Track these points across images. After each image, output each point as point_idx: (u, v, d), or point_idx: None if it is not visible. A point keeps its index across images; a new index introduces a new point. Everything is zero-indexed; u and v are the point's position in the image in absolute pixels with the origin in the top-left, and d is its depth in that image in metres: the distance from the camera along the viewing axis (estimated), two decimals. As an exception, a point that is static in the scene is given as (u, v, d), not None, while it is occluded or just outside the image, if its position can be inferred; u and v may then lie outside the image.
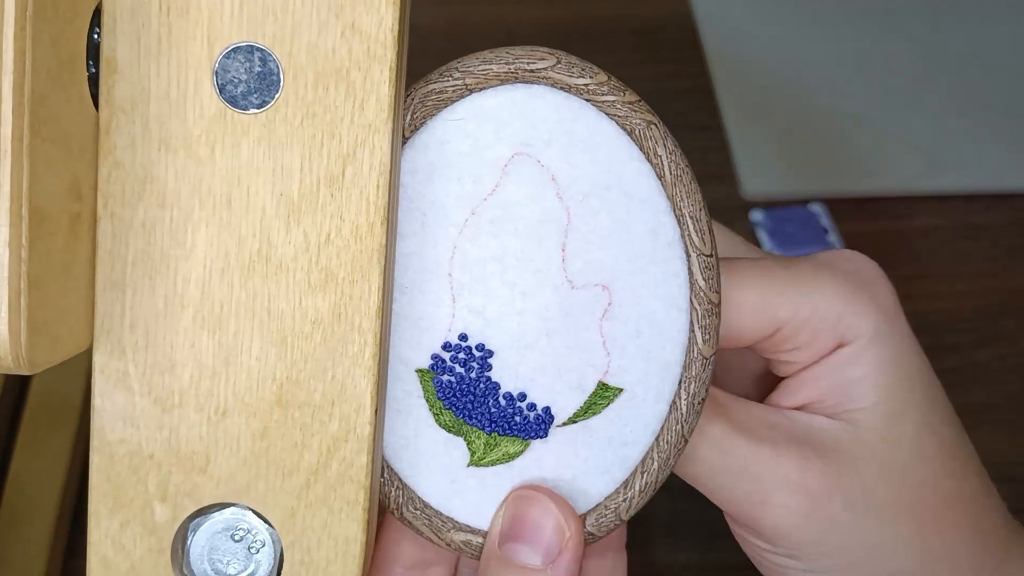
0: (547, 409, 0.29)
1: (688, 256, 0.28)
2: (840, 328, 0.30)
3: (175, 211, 0.26)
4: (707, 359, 0.28)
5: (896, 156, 0.59)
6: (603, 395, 0.29)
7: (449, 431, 0.29)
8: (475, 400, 0.29)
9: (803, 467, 0.29)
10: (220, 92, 0.25)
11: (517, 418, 0.29)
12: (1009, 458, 0.52)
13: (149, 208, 0.26)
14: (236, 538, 0.27)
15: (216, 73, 0.25)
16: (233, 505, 0.27)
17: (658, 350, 0.28)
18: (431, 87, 0.28)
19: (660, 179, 0.28)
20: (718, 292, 0.28)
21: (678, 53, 0.63)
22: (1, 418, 0.45)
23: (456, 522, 0.29)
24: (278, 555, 0.27)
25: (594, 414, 0.29)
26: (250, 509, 0.27)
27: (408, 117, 0.28)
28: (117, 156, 0.25)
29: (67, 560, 0.43)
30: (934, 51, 0.63)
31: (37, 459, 0.44)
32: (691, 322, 0.28)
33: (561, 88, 0.28)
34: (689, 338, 0.28)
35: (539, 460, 0.29)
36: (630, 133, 0.28)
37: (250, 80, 0.25)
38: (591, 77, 0.28)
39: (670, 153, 0.28)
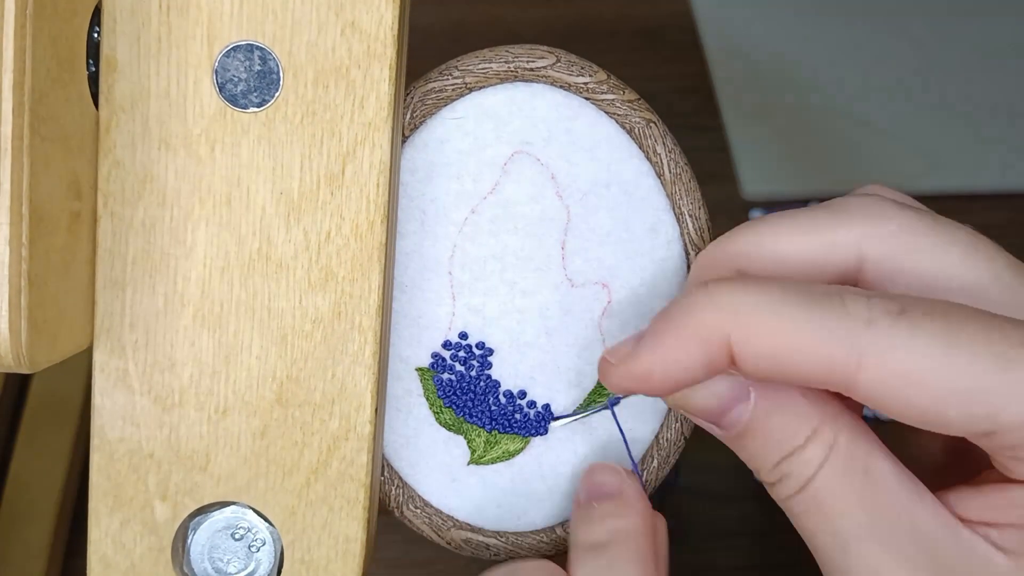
0: (547, 406, 0.29)
1: (687, 254, 0.28)
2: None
3: (175, 210, 0.26)
4: (707, 357, 0.28)
5: (896, 156, 0.59)
6: (602, 393, 0.29)
7: (449, 429, 0.29)
8: (475, 398, 0.29)
9: None
10: (220, 91, 0.25)
11: (517, 416, 0.29)
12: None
13: (149, 207, 0.26)
14: (236, 536, 0.27)
15: (216, 72, 0.25)
16: (233, 504, 0.27)
17: (658, 348, 0.28)
18: (431, 86, 0.28)
19: (659, 177, 0.28)
20: (718, 290, 0.28)
21: (678, 53, 0.63)
22: (1, 418, 0.45)
23: (457, 520, 0.29)
24: (278, 553, 0.27)
25: (593, 412, 0.29)
26: (250, 508, 0.27)
27: (408, 115, 0.28)
28: (117, 155, 0.25)
29: (67, 560, 0.43)
30: (934, 51, 0.63)
31: (37, 459, 0.44)
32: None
33: (561, 87, 0.28)
34: (689, 336, 0.28)
35: (539, 457, 0.29)
36: (629, 131, 0.28)
37: (250, 79, 0.25)
38: (591, 76, 0.28)
39: (669, 151, 0.28)
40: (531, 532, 0.29)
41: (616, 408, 0.29)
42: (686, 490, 0.47)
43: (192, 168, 0.26)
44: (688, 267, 0.28)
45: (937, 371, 0.22)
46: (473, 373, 0.29)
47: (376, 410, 0.27)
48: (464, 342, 0.29)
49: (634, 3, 0.66)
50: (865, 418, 0.25)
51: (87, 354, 0.26)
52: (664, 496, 0.29)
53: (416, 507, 0.29)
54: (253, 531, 0.27)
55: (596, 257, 0.28)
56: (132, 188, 0.26)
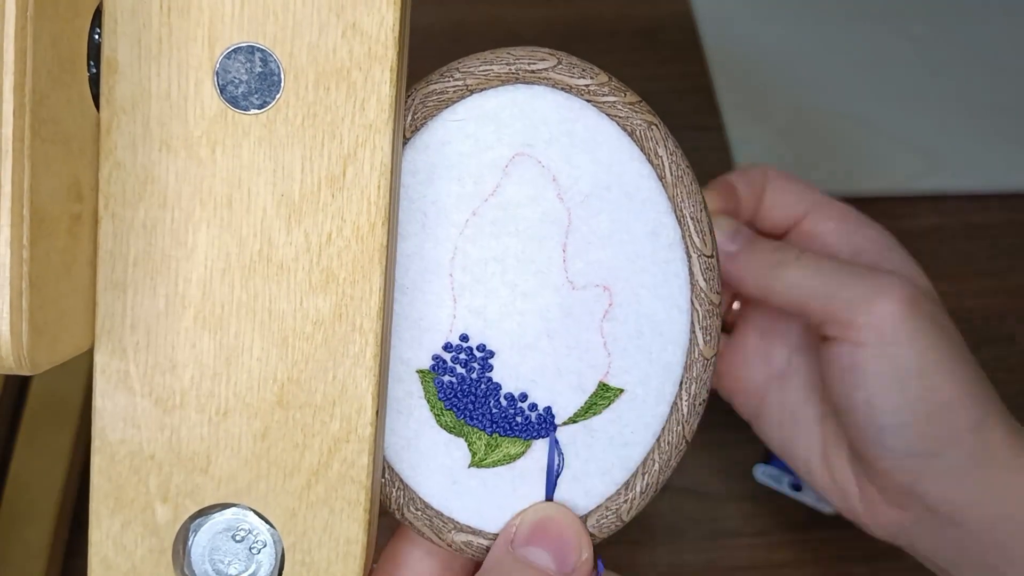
0: (548, 409, 0.29)
1: (689, 257, 0.28)
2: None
3: (176, 211, 0.26)
4: (708, 360, 0.28)
5: (896, 156, 0.59)
6: (604, 395, 0.29)
7: (450, 432, 0.29)
8: (476, 401, 0.29)
9: (902, 279, 0.35)
10: (221, 92, 0.25)
11: (518, 419, 0.29)
12: (1009, 458, 0.52)
13: (150, 208, 0.26)
14: (237, 538, 0.27)
15: (217, 73, 0.25)
16: (234, 505, 0.27)
17: (659, 351, 0.28)
18: (432, 87, 0.28)
19: (661, 180, 0.28)
20: (719, 293, 0.28)
21: (678, 53, 0.63)
22: (1, 418, 0.45)
23: (457, 523, 0.29)
24: (279, 555, 0.27)
25: (595, 414, 0.29)
26: (251, 509, 0.27)
27: (409, 117, 0.28)
28: (118, 156, 0.25)
29: (67, 560, 0.43)
30: (934, 51, 0.63)
31: (37, 459, 0.43)
32: (692, 323, 0.28)
33: (562, 89, 0.28)
34: (690, 339, 0.28)
35: (540, 461, 0.29)
36: (631, 134, 0.28)
37: (251, 80, 0.25)
38: (592, 78, 0.28)
39: (671, 154, 0.28)
40: (532, 534, 0.29)
41: (617, 409, 0.29)
42: (686, 490, 0.48)
43: (193, 170, 0.25)
44: (690, 269, 0.28)
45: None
46: (474, 375, 0.29)
47: (377, 412, 0.27)
48: (465, 344, 0.29)
49: (634, 3, 0.66)
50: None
51: (87, 355, 0.26)
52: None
53: (417, 509, 0.29)
54: (254, 533, 0.27)
55: (597, 259, 0.28)
56: (133, 190, 0.26)
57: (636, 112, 0.28)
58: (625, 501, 0.29)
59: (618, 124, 0.28)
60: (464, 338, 0.29)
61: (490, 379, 0.29)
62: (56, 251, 0.24)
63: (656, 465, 0.29)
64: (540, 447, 0.29)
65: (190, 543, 0.27)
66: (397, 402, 0.29)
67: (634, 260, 0.28)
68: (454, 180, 0.28)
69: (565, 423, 0.29)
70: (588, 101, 0.28)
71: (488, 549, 0.29)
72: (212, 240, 0.26)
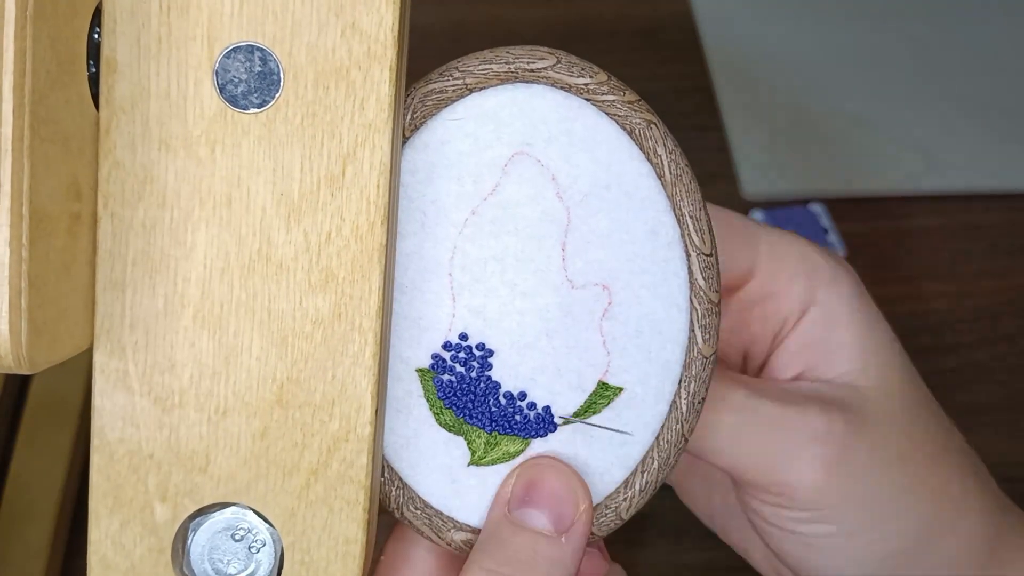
0: (547, 408, 0.29)
1: (688, 256, 0.28)
2: (807, 266, 0.33)
3: (175, 211, 0.26)
4: (707, 359, 0.28)
5: (896, 156, 0.59)
6: (603, 394, 0.29)
7: (449, 431, 0.29)
8: (475, 399, 0.29)
9: (829, 419, 0.30)
10: (220, 92, 0.25)
11: (517, 417, 0.29)
12: (1009, 458, 0.52)
13: (149, 208, 0.26)
14: (236, 538, 0.27)
15: (216, 73, 0.25)
16: (233, 505, 0.27)
17: (658, 349, 0.28)
18: (431, 87, 0.28)
19: (660, 179, 0.28)
20: (718, 291, 0.28)
21: (678, 53, 0.63)
22: (1, 418, 0.45)
23: (456, 522, 0.29)
24: (278, 555, 0.27)
25: (594, 413, 0.29)
26: (250, 509, 0.27)
27: (408, 117, 0.28)
28: (117, 156, 0.25)
29: (67, 560, 0.43)
30: (934, 51, 0.63)
31: (37, 459, 0.44)
32: (691, 322, 0.28)
33: (561, 88, 0.28)
34: (689, 338, 0.28)
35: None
36: (630, 133, 0.28)
37: (250, 80, 0.25)
38: (591, 77, 0.28)
39: (670, 153, 0.28)
40: (531, 533, 0.29)
41: (616, 407, 0.29)
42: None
43: (192, 169, 0.26)
44: (689, 268, 0.28)
45: None
46: (473, 374, 0.29)
47: (376, 411, 0.27)
48: (464, 343, 0.29)
49: (634, 3, 0.66)
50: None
51: (87, 354, 0.26)
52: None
53: (416, 508, 0.29)
54: (253, 532, 0.27)
55: (596, 259, 0.28)
56: (132, 189, 0.26)
57: (635, 111, 0.28)
58: (624, 499, 0.29)
59: (617, 123, 0.28)
60: (463, 337, 0.29)
61: (489, 378, 0.29)
62: (55, 250, 0.24)
63: (655, 463, 0.29)
64: (539, 446, 0.29)
65: (189, 542, 0.27)
66: (396, 401, 0.29)
67: (633, 259, 0.28)
68: (453, 179, 0.28)
69: (564, 422, 0.29)
70: (587, 100, 0.28)
71: (487, 548, 0.29)
72: (211, 239, 0.26)
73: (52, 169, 0.23)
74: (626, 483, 0.29)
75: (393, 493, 0.29)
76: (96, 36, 0.25)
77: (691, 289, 0.28)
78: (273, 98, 0.25)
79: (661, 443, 0.29)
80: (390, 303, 0.28)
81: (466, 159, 0.28)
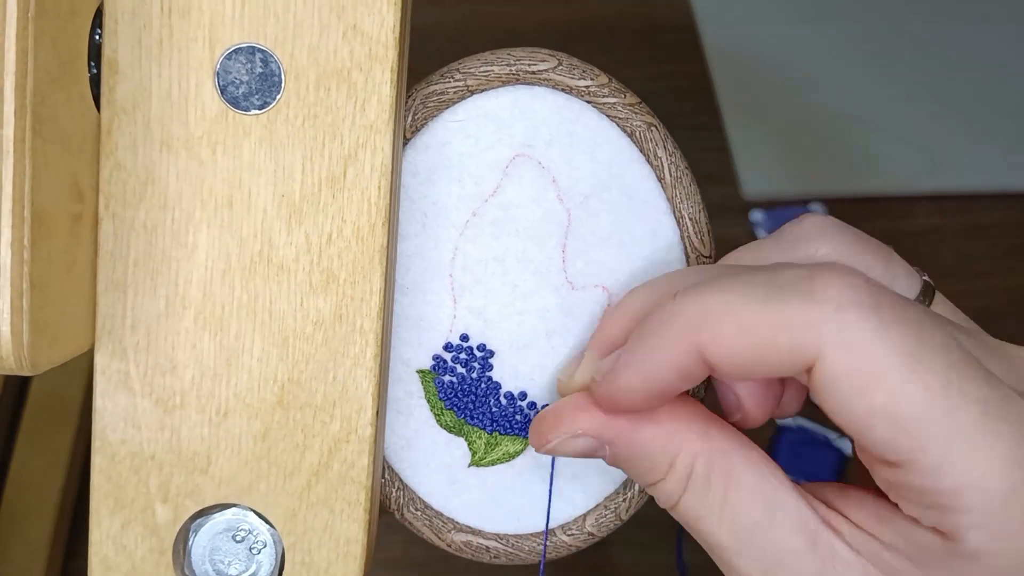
0: (547, 407, 0.29)
1: (688, 258, 0.28)
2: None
3: (176, 212, 0.26)
4: (708, 360, 0.28)
5: (896, 156, 0.59)
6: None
7: (450, 431, 0.29)
8: (476, 400, 0.29)
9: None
10: (222, 93, 0.25)
11: (518, 417, 0.29)
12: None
13: (151, 209, 0.26)
14: (237, 539, 0.27)
15: (218, 74, 0.25)
16: (234, 506, 0.27)
17: (659, 351, 0.28)
18: (432, 88, 0.28)
19: (660, 181, 0.28)
20: (719, 293, 0.28)
21: (678, 53, 0.63)
22: (1, 418, 0.45)
23: (457, 523, 0.29)
24: (279, 556, 0.27)
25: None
26: (251, 510, 0.27)
27: (409, 118, 0.28)
28: (119, 157, 0.25)
29: (67, 560, 0.43)
30: (934, 51, 0.63)
31: (37, 459, 0.44)
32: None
33: (562, 90, 0.28)
34: (690, 339, 0.28)
35: (539, 459, 0.29)
36: (631, 135, 0.28)
37: (251, 81, 0.25)
38: (592, 79, 0.28)
39: (670, 155, 0.28)
40: (531, 534, 0.29)
41: None
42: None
43: (194, 170, 0.26)
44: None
45: (882, 385, 0.21)
46: (474, 375, 0.29)
47: (377, 412, 0.27)
48: (465, 344, 0.29)
49: (634, 3, 0.66)
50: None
51: (87, 355, 0.26)
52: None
53: (416, 509, 0.29)
54: (254, 533, 0.27)
55: (597, 260, 0.28)
56: (133, 190, 0.26)
57: (636, 113, 0.28)
58: (624, 500, 0.29)
59: (618, 125, 0.28)
60: (464, 338, 0.29)
61: (490, 378, 0.29)
62: (57, 252, 0.24)
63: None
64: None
65: (190, 543, 0.27)
66: (397, 402, 0.29)
67: (633, 261, 0.28)
68: (454, 181, 0.28)
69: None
70: (588, 102, 0.28)
71: (488, 548, 0.29)
72: (213, 241, 0.26)
73: (53, 170, 0.23)
74: (625, 484, 0.29)
75: (394, 494, 0.29)
76: (97, 37, 0.25)
77: (692, 290, 0.28)
78: (274, 99, 0.25)
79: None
80: (391, 304, 0.28)
81: (467, 160, 0.28)
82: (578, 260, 0.28)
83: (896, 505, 0.23)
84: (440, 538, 0.29)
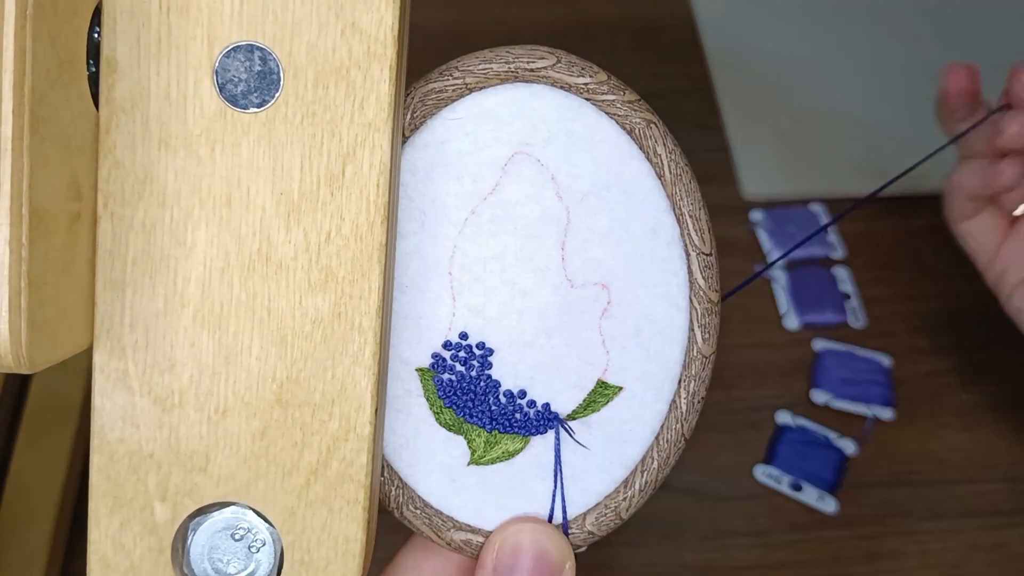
0: (547, 406, 0.29)
1: (687, 255, 0.28)
2: None
3: (175, 210, 0.26)
4: (706, 358, 0.28)
5: (896, 156, 0.59)
6: (602, 393, 0.29)
7: (449, 430, 0.29)
8: (475, 398, 0.29)
9: None
10: (220, 91, 0.25)
11: (517, 415, 0.29)
12: (1009, 458, 0.52)
13: (149, 207, 0.26)
14: (236, 537, 0.27)
15: (216, 72, 0.25)
16: (233, 504, 0.27)
17: (657, 349, 0.28)
18: (431, 86, 0.28)
19: (660, 178, 0.28)
20: (717, 291, 0.28)
21: (678, 53, 0.63)
22: (1, 418, 0.45)
23: (456, 521, 0.29)
24: (278, 554, 0.27)
25: (593, 412, 0.29)
26: (250, 508, 0.27)
27: (408, 116, 0.28)
28: (117, 155, 0.25)
29: (67, 560, 0.43)
30: (934, 51, 0.63)
31: (37, 459, 0.44)
32: (690, 321, 0.28)
33: (561, 87, 0.28)
34: (689, 337, 0.28)
35: (538, 457, 0.29)
36: (630, 132, 0.28)
37: (250, 79, 0.25)
38: (591, 76, 0.28)
39: (670, 152, 0.28)
40: (531, 533, 0.29)
41: (616, 406, 0.28)
42: (686, 490, 0.47)
43: (192, 168, 0.26)
44: (688, 267, 0.28)
45: None
46: (473, 373, 0.29)
47: (376, 411, 0.27)
48: (464, 342, 0.29)
49: (634, 3, 0.66)
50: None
51: (87, 355, 0.26)
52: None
53: (416, 508, 0.29)
54: (253, 532, 0.27)
55: (596, 258, 0.28)
56: (132, 189, 0.26)
57: (635, 111, 0.28)
58: (624, 499, 0.29)
59: (617, 123, 0.28)
60: (463, 336, 0.29)
61: (489, 376, 0.29)
62: (55, 250, 0.24)
63: (655, 463, 0.29)
64: (538, 443, 0.29)
65: (189, 542, 0.27)
66: (396, 400, 0.29)
67: (633, 259, 0.28)
68: (453, 179, 0.28)
69: (564, 420, 0.29)
70: (587, 100, 0.28)
71: (487, 548, 0.29)
72: (211, 239, 0.26)
73: (52, 168, 0.23)
74: (626, 482, 0.29)
75: (393, 492, 0.29)
76: (96, 35, 0.25)
77: (691, 289, 0.28)
78: (273, 97, 0.25)
79: (661, 442, 0.29)
80: (390, 302, 0.28)
81: (466, 158, 0.28)
82: (577, 258, 0.28)
83: None
84: (440, 536, 0.29)
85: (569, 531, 0.29)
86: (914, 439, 0.52)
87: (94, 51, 0.25)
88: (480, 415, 0.29)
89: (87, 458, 0.27)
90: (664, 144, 0.28)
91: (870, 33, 0.64)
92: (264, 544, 0.27)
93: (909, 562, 0.41)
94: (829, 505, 0.48)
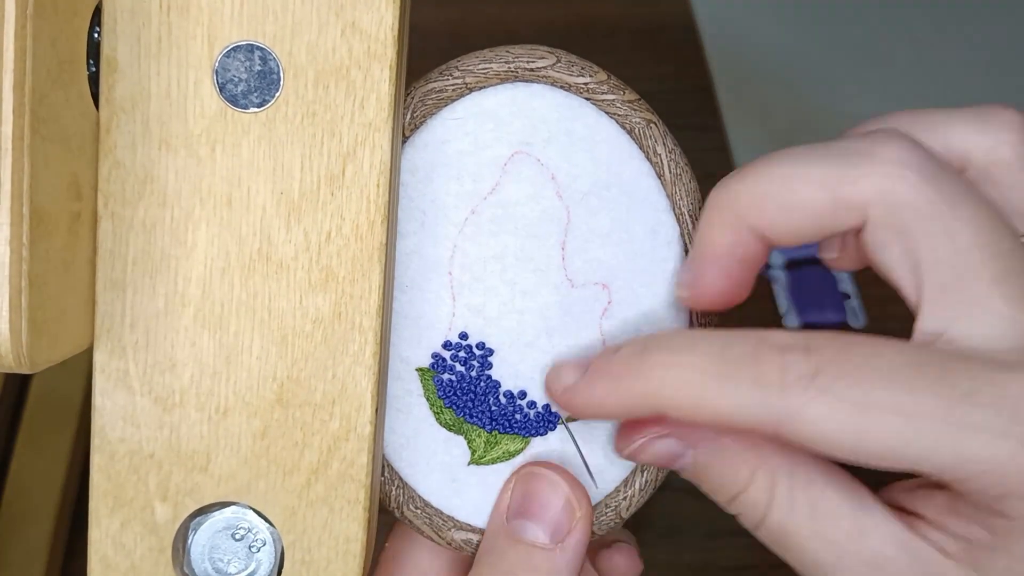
0: (547, 407, 0.29)
1: (688, 254, 0.28)
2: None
3: (175, 210, 0.26)
4: (707, 358, 0.28)
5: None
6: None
7: (449, 430, 0.29)
8: (476, 398, 0.29)
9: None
10: (220, 91, 0.25)
11: (517, 416, 0.29)
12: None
13: (149, 207, 0.26)
14: (237, 537, 0.27)
15: (216, 72, 0.25)
16: (234, 504, 0.27)
17: (658, 349, 0.28)
18: (431, 86, 0.28)
19: (659, 178, 0.28)
20: (718, 291, 0.28)
21: (678, 53, 0.63)
22: (1, 418, 0.45)
23: (456, 521, 0.29)
24: (279, 554, 0.27)
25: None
26: (251, 508, 0.27)
27: (408, 116, 0.28)
28: (117, 155, 0.25)
29: (67, 560, 0.43)
30: (934, 51, 0.63)
31: (37, 459, 0.44)
32: (690, 321, 0.28)
33: (561, 87, 0.28)
34: (689, 337, 0.28)
35: (539, 458, 0.29)
36: (630, 132, 0.28)
37: (250, 79, 0.25)
38: (591, 76, 0.28)
39: (669, 152, 0.28)
40: (531, 532, 0.29)
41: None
42: (686, 490, 0.47)
43: (192, 168, 0.26)
44: (688, 267, 0.28)
45: (846, 434, 0.22)
46: (473, 373, 0.29)
47: (376, 410, 0.27)
48: (464, 342, 0.29)
49: (634, 3, 0.66)
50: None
51: (87, 354, 0.26)
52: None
53: (416, 507, 0.29)
54: (253, 531, 0.27)
55: (596, 258, 0.28)
56: (132, 188, 0.26)
57: (635, 110, 0.28)
58: (624, 498, 0.29)
59: (617, 122, 0.28)
60: (463, 336, 0.29)
61: (489, 377, 0.29)
62: (55, 250, 0.24)
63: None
64: (539, 444, 0.29)
65: (189, 542, 0.27)
66: (396, 400, 0.29)
67: (633, 258, 0.28)
68: (453, 178, 0.28)
69: (564, 420, 0.29)
70: (587, 99, 0.28)
71: (488, 547, 0.29)
72: (211, 239, 0.26)
73: (52, 168, 0.23)
74: (626, 482, 0.29)
75: (393, 492, 0.29)
76: (96, 35, 0.25)
77: (691, 288, 0.28)
78: (273, 97, 0.25)
79: (661, 442, 0.29)
80: (390, 302, 0.28)
81: (466, 158, 0.28)
82: (577, 258, 0.28)
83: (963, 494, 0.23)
84: (440, 536, 0.29)
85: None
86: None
87: (94, 51, 0.25)
88: (480, 415, 0.29)
89: (87, 458, 0.27)
90: (664, 143, 0.28)
91: (870, 33, 0.64)
92: (265, 544, 0.27)
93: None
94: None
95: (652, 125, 0.28)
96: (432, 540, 0.29)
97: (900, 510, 0.24)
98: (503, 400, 0.29)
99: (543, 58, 0.28)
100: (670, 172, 0.28)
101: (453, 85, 0.28)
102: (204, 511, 0.27)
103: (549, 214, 0.28)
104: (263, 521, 0.27)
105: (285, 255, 0.26)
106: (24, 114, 0.22)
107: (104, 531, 0.27)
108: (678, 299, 0.28)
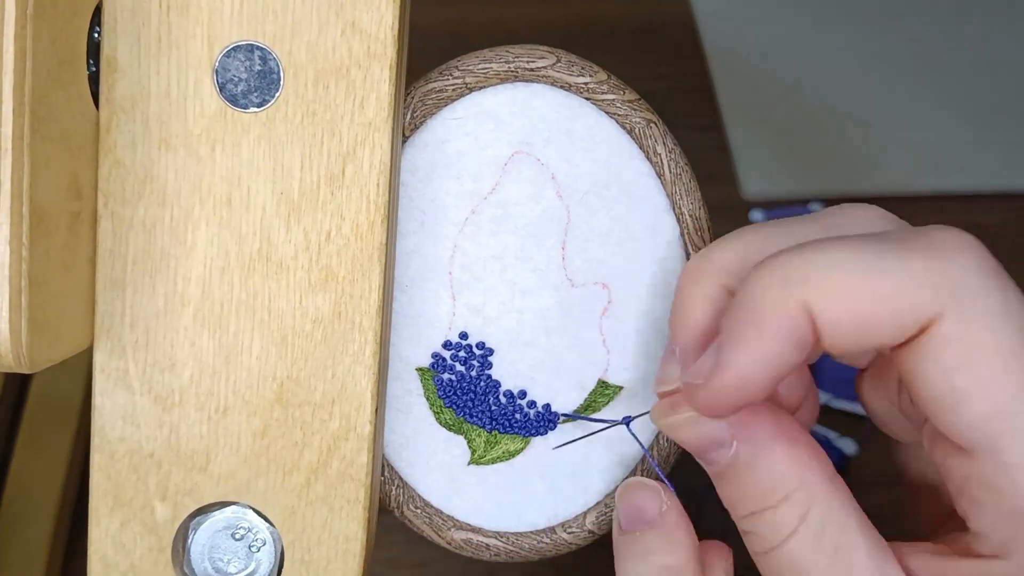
0: (547, 406, 0.29)
1: (688, 254, 0.28)
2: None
3: (175, 210, 0.26)
4: (707, 357, 0.28)
5: (896, 156, 0.59)
6: (603, 393, 0.29)
7: (449, 429, 0.29)
8: (475, 398, 0.29)
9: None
10: (220, 91, 0.25)
11: (517, 416, 0.29)
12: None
13: (149, 207, 0.26)
14: (237, 536, 0.27)
15: (216, 72, 0.25)
16: (234, 504, 0.27)
17: (658, 348, 0.28)
18: (431, 86, 0.28)
19: (659, 177, 0.28)
20: (718, 290, 0.28)
21: (678, 53, 0.63)
22: (1, 418, 0.45)
23: (456, 520, 0.29)
24: (279, 553, 0.27)
25: (594, 411, 0.29)
26: (251, 507, 0.27)
27: (408, 116, 0.28)
28: (117, 155, 0.25)
29: (67, 560, 0.43)
30: (934, 51, 0.63)
31: (37, 459, 0.43)
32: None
33: (561, 87, 0.28)
34: (689, 336, 0.28)
35: (539, 457, 0.29)
36: (630, 132, 0.28)
37: (250, 79, 0.25)
38: (591, 76, 0.28)
39: (669, 151, 0.28)
40: (531, 532, 0.29)
41: (616, 406, 0.29)
42: (686, 490, 0.47)
43: (192, 168, 0.26)
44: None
45: (992, 359, 0.21)
46: (473, 373, 0.29)
47: (376, 410, 0.27)
48: (464, 342, 0.29)
49: (634, 3, 0.66)
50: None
51: (87, 354, 0.26)
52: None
53: (416, 507, 0.29)
54: (253, 531, 0.27)
55: (596, 257, 0.28)
56: (132, 188, 0.26)
57: (635, 110, 0.28)
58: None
59: (617, 122, 0.28)
60: (463, 336, 0.29)
61: (489, 376, 0.29)
62: (55, 249, 0.24)
63: (655, 462, 0.29)
64: (539, 444, 0.29)
65: (189, 541, 0.27)
66: (396, 400, 0.29)
67: (633, 258, 0.28)
68: (453, 178, 0.28)
69: (565, 420, 0.29)
70: (587, 99, 0.28)
71: (488, 546, 0.29)
72: (211, 238, 0.26)
73: (52, 168, 0.23)
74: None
75: (393, 492, 0.29)
76: (96, 35, 0.25)
77: (691, 288, 0.28)
78: (273, 97, 0.25)
79: (661, 442, 0.29)
80: (390, 302, 0.28)
81: (466, 158, 0.28)
82: (577, 257, 0.28)
83: (957, 549, 0.22)
84: (440, 536, 0.29)
85: (568, 531, 0.29)
86: (914, 439, 0.52)
87: (94, 51, 0.25)
88: (480, 415, 0.29)
89: (87, 458, 0.27)
90: (664, 143, 0.28)
91: (870, 33, 0.64)
92: (264, 543, 0.27)
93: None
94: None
95: (652, 125, 0.28)
96: (431, 540, 0.29)
97: None
98: (503, 400, 0.29)
99: (543, 58, 0.28)
100: (670, 172, 0.28)
101: (453, 85, 0.28)
102: (204, 511, 0.27)
103: (549, 214, 0.28)
104: (263, 521, 0.27)
105: (285, 255, 0.26)
106: (24, 114, 0.22)
107: (104, 531, 0.27)
108: (687, 388, 0.24)
